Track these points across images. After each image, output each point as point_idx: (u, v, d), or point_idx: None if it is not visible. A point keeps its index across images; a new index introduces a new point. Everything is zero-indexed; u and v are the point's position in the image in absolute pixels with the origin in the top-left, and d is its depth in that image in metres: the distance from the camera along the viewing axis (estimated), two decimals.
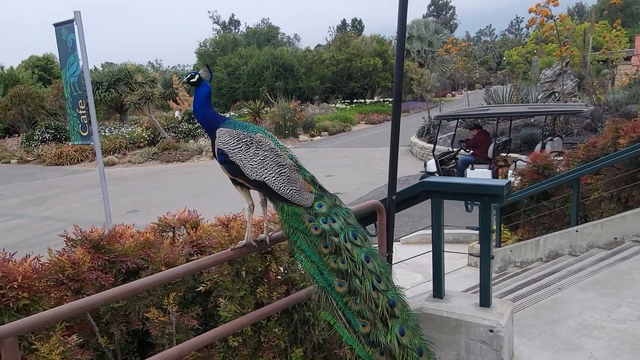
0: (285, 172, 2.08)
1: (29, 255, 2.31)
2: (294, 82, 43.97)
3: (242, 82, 45.29)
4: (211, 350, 2.53)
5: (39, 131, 28.54)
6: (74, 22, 5.93)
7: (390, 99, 43.83)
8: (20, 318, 1.93)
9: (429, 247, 3.04)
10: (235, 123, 2.19)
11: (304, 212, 2.08)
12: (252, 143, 2.10)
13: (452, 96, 53.86)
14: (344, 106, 40.49)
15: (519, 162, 10.51)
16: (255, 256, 2.47)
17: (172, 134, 24.69)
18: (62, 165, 23.89)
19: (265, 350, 2.58)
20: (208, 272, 2.49)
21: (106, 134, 26.44)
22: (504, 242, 7.30)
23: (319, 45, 62.74)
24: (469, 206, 2.93)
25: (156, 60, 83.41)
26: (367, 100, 43.80)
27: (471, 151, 11.46)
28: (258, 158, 2.07)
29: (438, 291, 3.06)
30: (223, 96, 47.63)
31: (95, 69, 48.79)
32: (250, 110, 30.50)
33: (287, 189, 2.06)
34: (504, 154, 11.72)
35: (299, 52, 48.71)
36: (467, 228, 5.01)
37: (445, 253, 3.07)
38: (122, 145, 24.23)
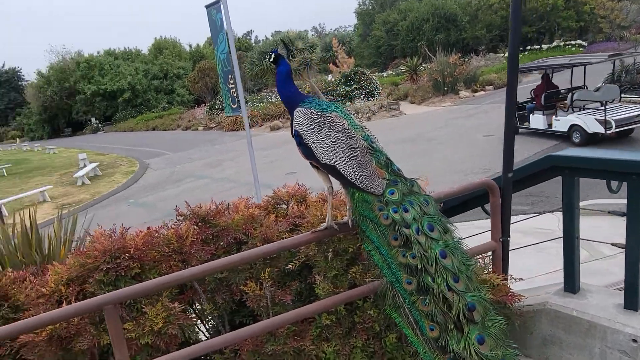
0: (356, 155, 1.92)
1: (150, 228, 2.64)
2: (456, 33, 41.07)
3: (400, 39, 44.08)
4: (308, 325, 2.58)
5: (218, 101, 32.46)
6: (220, 2, 6.37)
7: (573, 42, 37.81)
8: (134, 284, 2.22)
9: (590, 221, 2.55)
10: (312, 102, 2.09)
11: (374, 199, 1.91)
12: (324, 124, 1.98)
13: None
14: None
15: (559, 112, 12.23)
16: (345, 237, 2.40)
17: (330, 97, 25.52)
18: (237, 131, 26.86)
19: (359, 332, 2.53)
20: (299, 251, 2.51)
21: (272, 100, 28.68)
22: None
23: None
24: (613, 186, 2.35)
25: (319, 24, 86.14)
26: (543, 45, 38.50)
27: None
28: (329, 140, 1.95)
29: (570, 285, 2.59)
30: (381, 55, 47.15)
31: (266, 38, 52.81)
32: (407, 67, 29.60)
33: (357, 175, 1.90)
34: (568, 101, 12.60)
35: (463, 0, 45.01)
36: (609, 213, 3.99)
37: (596, 227, 2.56)
38: (286, 110, 26.02)
